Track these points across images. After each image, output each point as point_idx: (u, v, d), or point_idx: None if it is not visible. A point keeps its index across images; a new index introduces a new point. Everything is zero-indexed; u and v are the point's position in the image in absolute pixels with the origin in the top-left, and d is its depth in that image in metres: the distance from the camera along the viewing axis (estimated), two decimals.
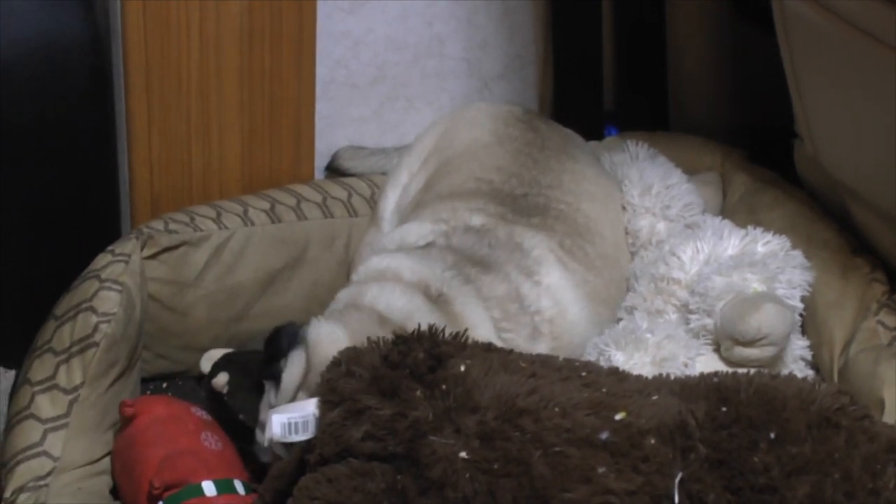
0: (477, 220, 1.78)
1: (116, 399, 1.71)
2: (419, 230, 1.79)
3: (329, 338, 1.58)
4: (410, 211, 1.91)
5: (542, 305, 1.72)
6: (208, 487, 1.55)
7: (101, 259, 1.80)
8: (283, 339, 1.61)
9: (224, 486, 1.57)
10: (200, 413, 1.69)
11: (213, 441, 1.63)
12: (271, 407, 1.56)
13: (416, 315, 1.62)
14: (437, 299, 1.67)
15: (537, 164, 1.87)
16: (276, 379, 1.60)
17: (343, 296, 1.70)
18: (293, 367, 1.59)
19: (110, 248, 1.83)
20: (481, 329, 1.66)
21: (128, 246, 1.83)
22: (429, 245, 1.76)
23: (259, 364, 1.64)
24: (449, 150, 1.95)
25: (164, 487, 1.54)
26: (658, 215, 1.89)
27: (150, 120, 1.98)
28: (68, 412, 1.65)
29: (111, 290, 1.75)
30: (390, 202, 1.99)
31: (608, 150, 2.03)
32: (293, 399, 1.57)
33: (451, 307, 1.67)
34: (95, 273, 1.78)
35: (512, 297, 1.71)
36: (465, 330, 1.45)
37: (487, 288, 1.70)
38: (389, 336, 1.44)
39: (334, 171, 2.17)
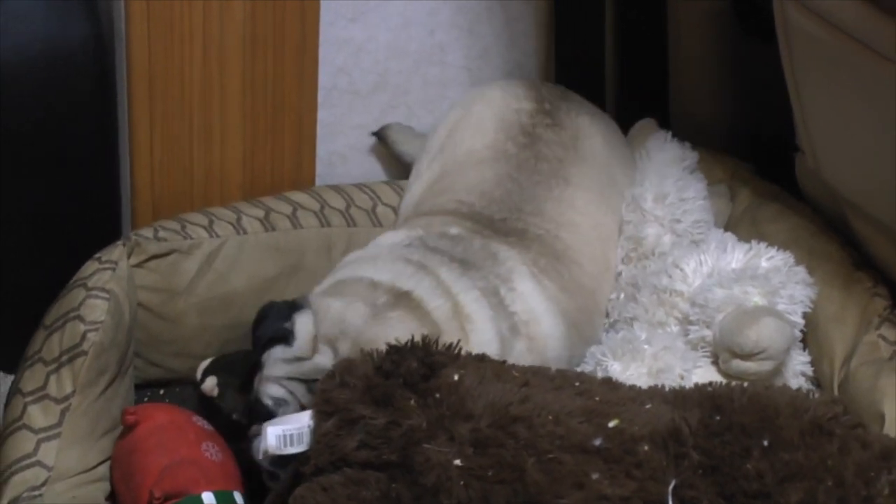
0: (453, 230, 1.78)
1: (108, 406, 1.71)
2: (393, 238, 1.80)
3: (328, 306, 1.60)
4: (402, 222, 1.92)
5: (518, 308, 1.71)
6: (208, 499, 1.55)
7: (88, 267, 1.80)
8: (278, 309, 1.62)
9: (224, 499, 1.56)
10: (202, 423, 1.68)
11: (213, 452, 1.62)
12: (268, 378, 1.58)
13: (402, 279, 1.63)
14: (419, 265, 1.68)
15: (522, 192, 1.85)
16: (285, 339, 1.59)
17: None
18: (304, 320, 1.59)
19: (97, 255, 1.82)
20: (467, 296, 1.66)
21: (114, 253, 1.82)
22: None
23: (255, 343, 1.64)
24: (452, 155, 1.95)
25: (164, 497, 1.54)
26: (666, 227, 1.87)
27: (153, 124, 1.98)
28: (60, 421, 1.65)
29: (98, 297, 1.74)
30: (405, 196, 2.00)
31: (647, 135, 2.03)
32: (312, 349, 1.57)
33: (437, 274, 1.67)
34: (82, 281, 1.77)
35: (492, 291, 1.70)
36: (458, 341, 1.45)
37: (469, 278, 1.69)
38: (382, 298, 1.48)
39: (381, 138, 2.16)
